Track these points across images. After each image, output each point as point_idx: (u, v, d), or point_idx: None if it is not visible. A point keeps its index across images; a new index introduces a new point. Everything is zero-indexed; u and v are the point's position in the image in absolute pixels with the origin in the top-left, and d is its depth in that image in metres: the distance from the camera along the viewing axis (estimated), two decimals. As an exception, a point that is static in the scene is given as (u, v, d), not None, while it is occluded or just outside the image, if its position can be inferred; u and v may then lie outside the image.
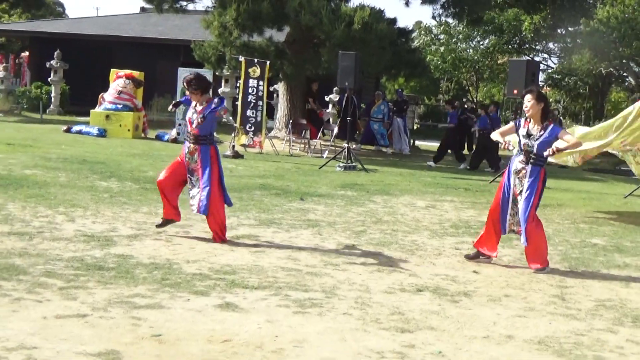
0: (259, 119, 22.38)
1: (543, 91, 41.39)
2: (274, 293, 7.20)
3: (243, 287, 7.32)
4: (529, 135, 8.93)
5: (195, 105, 9.54)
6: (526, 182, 8.90)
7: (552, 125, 8.95)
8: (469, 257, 9.45)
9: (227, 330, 6.01)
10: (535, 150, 8.88)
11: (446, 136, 24.54)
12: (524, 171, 8.94)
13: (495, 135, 9.33)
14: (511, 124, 9.35)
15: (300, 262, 8.58)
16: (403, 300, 7.29)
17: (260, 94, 22.32)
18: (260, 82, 22.31)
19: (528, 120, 9.00)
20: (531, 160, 8.91)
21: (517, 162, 9.02)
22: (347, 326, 6.34)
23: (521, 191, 8.94)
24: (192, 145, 9.47)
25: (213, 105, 9.43)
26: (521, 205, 8.92)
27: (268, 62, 22.46)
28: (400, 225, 11.50)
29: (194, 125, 9.43)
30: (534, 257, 8.99)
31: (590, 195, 17.41)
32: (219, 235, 9.40)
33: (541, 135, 8.87)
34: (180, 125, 23.90)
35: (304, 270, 8.19)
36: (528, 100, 8.90)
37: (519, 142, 9.03)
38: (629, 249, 10.85)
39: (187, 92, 9.62)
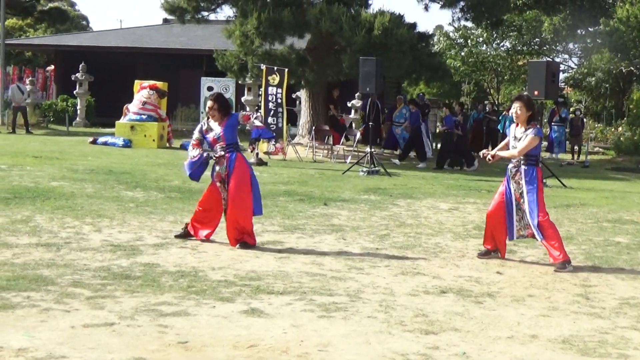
0: (279, 125, 22.44)
1: (565, 92, 40.95)
2: (299, 298, 7.27)
3: (268, 293, 7.39)
4: (516, 138, 9.23)
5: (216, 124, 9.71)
6: (523, 182, 9.15)
7: (532, 128, 9.18)
8: (481, 255, 9.62)
9: (252, 336, 6.07)
10: None
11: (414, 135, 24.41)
12: (519, 174, 9.20)
13: (498, 151, 9.66)
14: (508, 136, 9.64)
15: (325, 267, 8.64)
16: (427, 302, 7.34)
17: (279, 101, 22.38)
18: (279, 90, 22.37)
19: (517, 124, 9.32)
20: (522, 161, 9.14)
21: (510, 167, 9.32)
22: (371, 329, 6.39)
23: (521, 193, 9.15)
24: (221, 155, 9.65)
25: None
26: (526, 205, 9.12)
27: (287, 70, 22.52)
28: (423, 228, 11.54)
29: (219, 140, 9.63)
30: (556, 250, 9.07)
31: (613, 194, 17.35)
32: (236, 239, 9.54)
33: (522, 136, 9.15)
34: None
35: (328, 275, 8.25)
36: (519, 107, 9.16)
37: (510, 146, 9.37)
38: (653, 247, 10.83)
39: (208, 110, 9.78)
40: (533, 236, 9.26)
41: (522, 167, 9.14)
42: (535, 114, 9.46)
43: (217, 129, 9.64)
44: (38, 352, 5.45)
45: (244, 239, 9.50)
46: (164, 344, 5.78)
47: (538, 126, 9.36)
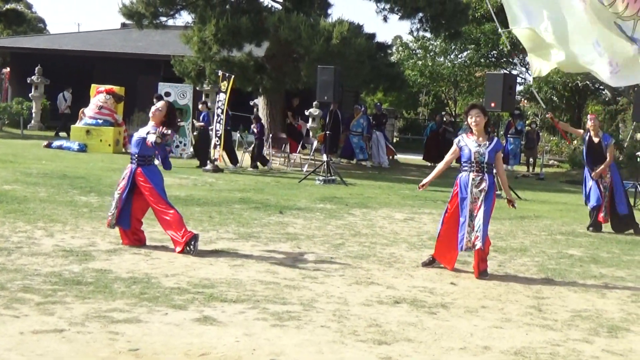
0: (220, 132, 22.04)
1: (521, 105, 41.31)
2: (252, 306, 7.22)
3: (221, 301, 7.34)
4: (480, 153, 9.26)
5: (151, 129, 9.67)
6: (485, 191, 9.18)
7: (495, 138, 9.47)
8: (424, 264, 9.69)
9: (204, 344, 6.02)
10: (486, 158, 9.23)
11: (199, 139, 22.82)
12: (484, 183, 9.21)
13: (441, 165, 9.87)
14: (454, 146, 9.57)
15: (279, 275, 8.60)
16: (381, 313, 7.33)
17: (223, 107, 21.95)
18: (224, 96, 21.96)
19: (472, 132, 9.39)
20: (486, 169, 9.25)
21: (472, 175, 9.25)
22: (324, 338, 6.37)
23: (481, 202, 9.16)
24: (135, 166, 9.95)
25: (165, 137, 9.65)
26: (482, 214, 9.10)
27: (233, 76, 22.23)
28: (378, 238, 11.55)
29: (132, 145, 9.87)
30: (484, 261, 9.29)
31: (567, 207, 17.51)
32: (180, 240, 9.47)
33: (489, 145, 9.28)
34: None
35: (282, 284, 8.21)
36: (477, 115, 9.29)
37: (470, 153, 9.30)
38: (604, 260, 10.93)
39: (152, 113, 9.75)
40: (471, 249, 9.26)
41: (486, 175, 9.22)
42: (489, 121, 9.62)
43: (143, 132, 9.80)
44: (-15, 358, 5.36)
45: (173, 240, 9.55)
46: (114, 351, 5.71)
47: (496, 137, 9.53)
